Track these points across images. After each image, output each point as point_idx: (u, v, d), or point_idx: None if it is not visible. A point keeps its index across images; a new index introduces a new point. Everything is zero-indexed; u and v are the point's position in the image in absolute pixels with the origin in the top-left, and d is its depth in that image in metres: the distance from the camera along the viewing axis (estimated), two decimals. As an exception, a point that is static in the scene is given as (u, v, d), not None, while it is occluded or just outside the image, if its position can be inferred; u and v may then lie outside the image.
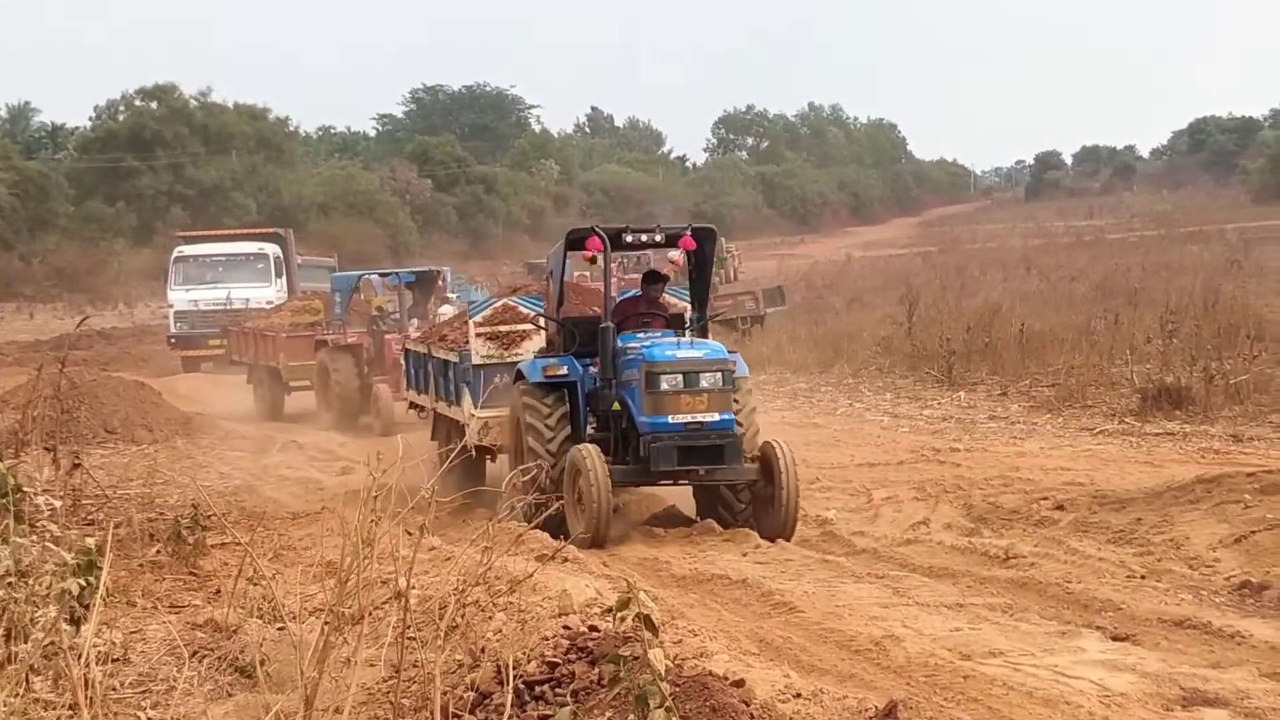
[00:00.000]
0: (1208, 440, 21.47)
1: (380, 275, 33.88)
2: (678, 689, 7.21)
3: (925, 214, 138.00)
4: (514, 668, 7.46)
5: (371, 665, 8.36)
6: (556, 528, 14.83)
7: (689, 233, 17.06)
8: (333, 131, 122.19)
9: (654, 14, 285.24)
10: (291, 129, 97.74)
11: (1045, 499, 16.63)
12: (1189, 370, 25.40)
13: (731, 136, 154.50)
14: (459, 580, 9.18)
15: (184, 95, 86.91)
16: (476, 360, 19.29)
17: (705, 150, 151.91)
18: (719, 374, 16.01)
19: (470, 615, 9.21)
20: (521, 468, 17.38)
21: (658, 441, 15.74)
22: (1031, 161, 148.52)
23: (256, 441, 26.48)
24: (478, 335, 19.31)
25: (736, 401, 16.32)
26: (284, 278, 47.03)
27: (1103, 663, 9.50)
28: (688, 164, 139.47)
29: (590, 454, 15.57)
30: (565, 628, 8.51)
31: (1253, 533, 13.29)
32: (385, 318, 30.37)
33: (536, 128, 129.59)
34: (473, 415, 18.74)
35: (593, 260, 17.17)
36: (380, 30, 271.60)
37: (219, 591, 12.29)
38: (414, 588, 8.13)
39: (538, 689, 7.61)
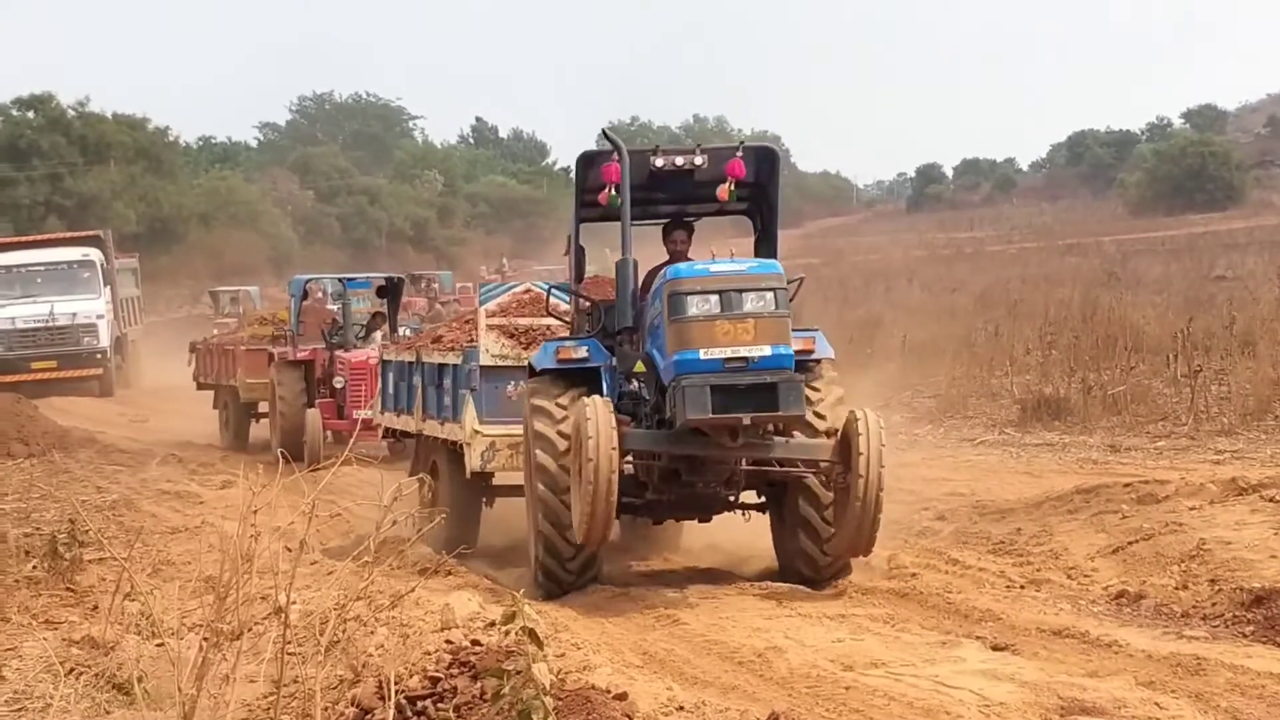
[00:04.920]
0: (1086, 451, 21.72)
1: (338, 280, 29.31)
2: (560, 703, 7.20)
3: (808, 226, 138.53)
4: (395, 683, 7.43)
5: (251, 681, 8.28)
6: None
7: (739, 155, 13.27)
8: (213, 141, 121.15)
9: (538, 25, 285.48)
10: (171, 139, 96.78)
11: (926, 509, 16.75)
12: (1068, 381, 25.70)
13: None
14: (340, 595, 9.11)
15: (61, 105, 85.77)
16: (485, 360, 15.36)
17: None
18: (769, 294, 12.11)
19: (351, 630, 9.15)
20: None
21: (679, 384, 11.86)
22: (913, 174, 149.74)
23: (135, 456, 26.18)
24: (489, 328, 15.50)
25: (817, 390, 12.71)
26: (109, 287, 43.01)
27: (983, 672, 9.57)
28: (573, 175, 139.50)
29: (595, 405, 11.92)
30: (448, 642, 8.47)
31: (1130, 543, 13.44)
32: (337, 330, 26.38)
33: (420, 139, 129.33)
34: (476, 432, 15.07)
35: (610, 201, 13.01)
36: (260, 40, 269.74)
37: (96, 607, 12.13)
38: (294, 603, 8.07)
39: (419, 704, 7.57)
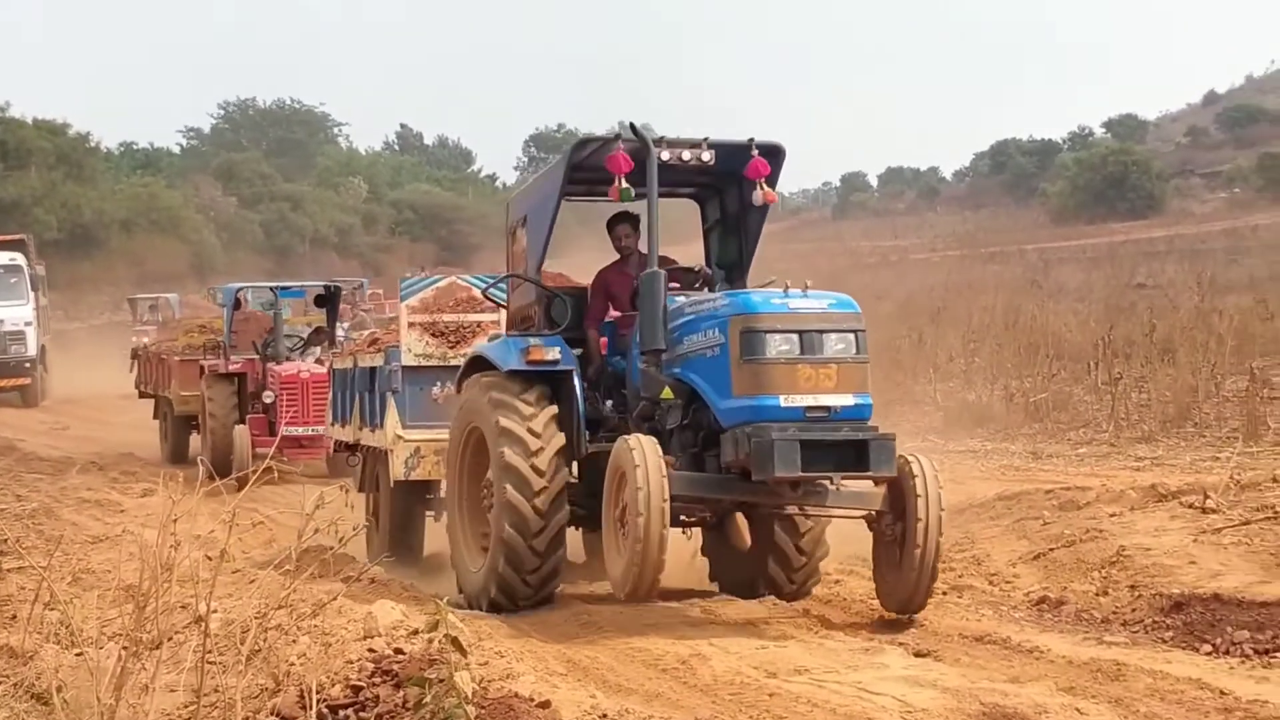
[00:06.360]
0: (1008, 458, 21.88)
1: (270, 289, 28.71)
2: (483, 711, 7.19)
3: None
4: (317, 692, 7.39)
5: (171, 691, 8.21)
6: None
7: (756, 153, 12.18)
8: (135, 147, 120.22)
9: (464, 32, 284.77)
10: (92, 145, 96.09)
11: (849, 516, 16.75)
12: (990, 389, 25.88)
13: (542, 155, 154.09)
14: (262, 604, 9.05)
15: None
16: (407, 360, 14.53)
17: (516, 169, 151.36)
18: (851, 335, 11.00)
19: (273, 639, 9.08)
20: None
21: (764, 435, 10.65)
22: (838, 182, 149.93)
23: (55, 464, 25.95)
24: (411, 325, 14.65)
25: None
26: (36, 292, 41.45)
27: (905, 678, 9.60)
28: (498, 183, 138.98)
29: (643, 447, 10.72)
30: (370, 650, 8.44)
31: (1051, 549, 13.53)
32: (273, 341, 25.18)
33: (345, 145, 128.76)
34: (399, 437, 14.31)
35: (623, 195, 11.83)
36: (182, 45, 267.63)
37: (15, 617, 11.99)
38: (215, 612, 8.02)
39: (341, 713, 7.54)
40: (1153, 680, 9.47)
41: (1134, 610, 11.54)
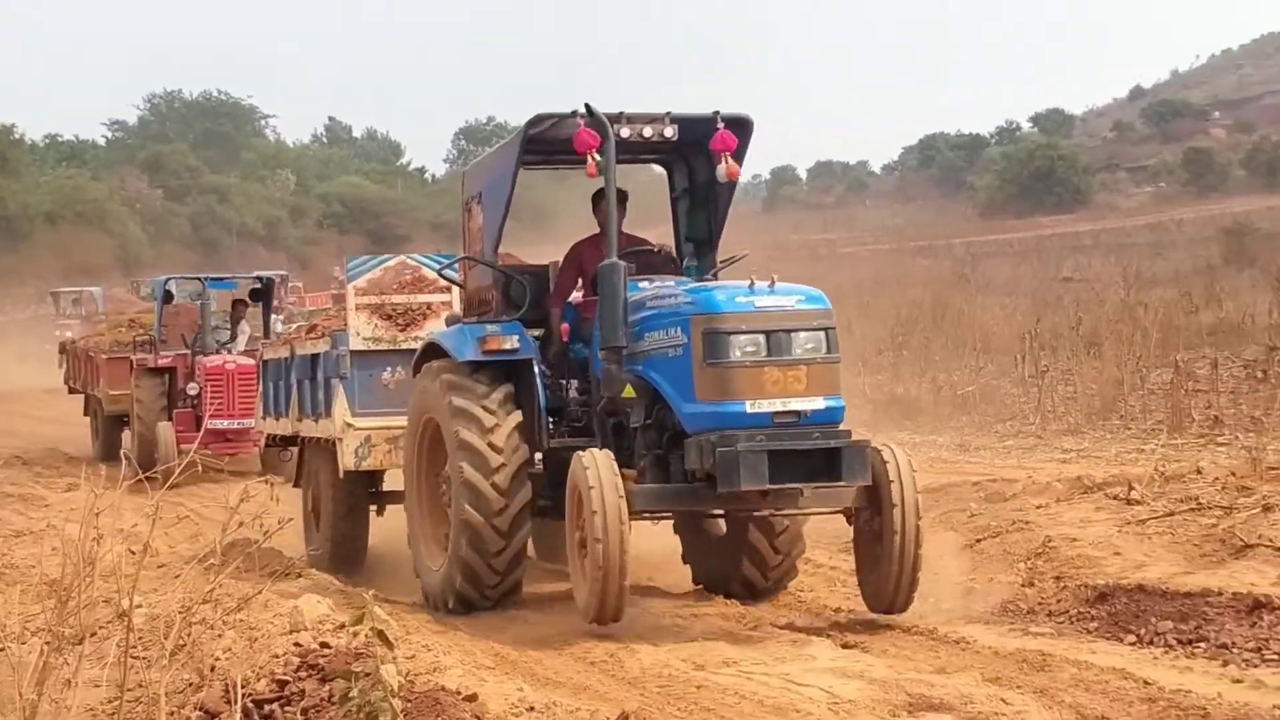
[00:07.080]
0: (936, 450, 21.96)
1: (199, 279, 27.19)
2: (410, 704, 7.15)
3: (664, 227, 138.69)
4: (242, 686, 7.33)
5: (95, 686, 8.13)
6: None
7: (722, 126, 11.55)
8: (60, 140, 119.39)
9: (391, 23, 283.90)
10: (16, 137, 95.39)
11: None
12: (918, 381, 25.97)
13: (472, 148, 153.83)
14: (185, 598, 8.98)
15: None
16: (356, 344, 13.91)
17: (445, 161, 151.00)
18: (821, 334, 10.53)
19: (197, 634, 9.02)
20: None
21: (729, 444, 10.11)
22: (768, 175, 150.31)
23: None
24: (359, 308, 14.01)
25: None
26: None
27: (832, 670, 9.62)
28: (427, 175, 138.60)
29: (597, 464, 10.27)
30: (296, 645, 8.37)
31: (978, 540, 13.59)
32: (203, 335, 24.47)
33: (272, 137, 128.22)
34: (348, 425, 13.65)
35: (598, 167, 11.05)
36: (108, 35, 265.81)
37: (-64, 613, 11.87)
38: (139, 606, 7.95)
39: (267, 708, 7.48)
40: (1077, 670, 9.52)
41: (1059, 601, 11.59)
